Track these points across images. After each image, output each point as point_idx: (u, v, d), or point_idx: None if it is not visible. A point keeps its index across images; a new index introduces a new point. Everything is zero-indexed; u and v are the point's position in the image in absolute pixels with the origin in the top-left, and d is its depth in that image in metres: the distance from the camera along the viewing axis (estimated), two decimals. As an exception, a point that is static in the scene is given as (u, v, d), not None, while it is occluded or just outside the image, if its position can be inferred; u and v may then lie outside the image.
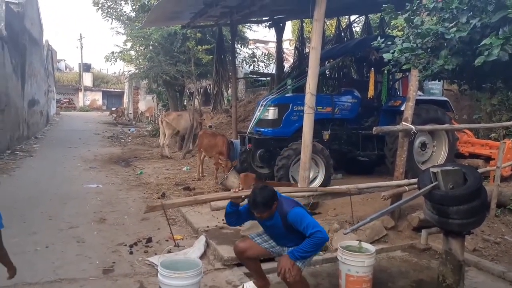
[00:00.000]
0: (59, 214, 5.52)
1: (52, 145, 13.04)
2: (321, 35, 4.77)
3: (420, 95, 7.18)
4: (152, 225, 5.03)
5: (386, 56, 2.85)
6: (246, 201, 3.37)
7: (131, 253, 4.25)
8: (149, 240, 4.56)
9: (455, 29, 2.26)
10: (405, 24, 2.76)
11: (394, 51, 2.75)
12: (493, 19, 2.03)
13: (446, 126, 6.45)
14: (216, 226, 5.04)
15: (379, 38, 3.06)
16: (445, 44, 2.40)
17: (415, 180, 4.46)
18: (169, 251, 4.30)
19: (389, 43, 2.88)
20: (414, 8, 2.79)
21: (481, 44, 2.06)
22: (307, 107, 4.74)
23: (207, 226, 4.98)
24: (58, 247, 4.36)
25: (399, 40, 2.78)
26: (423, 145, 7.32)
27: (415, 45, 2.58)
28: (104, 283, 3.60)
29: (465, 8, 2.32)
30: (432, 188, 3.48)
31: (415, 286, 4.02)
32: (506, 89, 3.25)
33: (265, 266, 3.80)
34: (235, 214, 3.38)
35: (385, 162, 7.28)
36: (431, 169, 3.57)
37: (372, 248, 3.78)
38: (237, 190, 3.46)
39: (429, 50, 2.56)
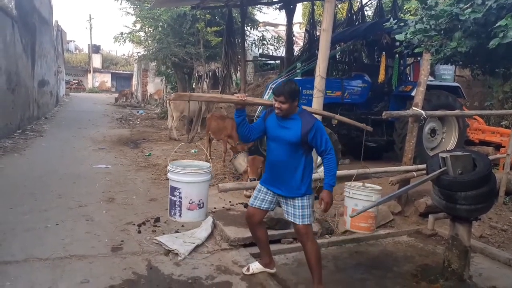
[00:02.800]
0: (69, 193, 5.60)
1: (62, 126, 13.15)
2: (332, 17, 4.69)
3: (431, 81, 7.09)
4: (160, 206, 5.08)
5: (399, 37, 2.80)
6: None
7: (139, 232, 4.31)
8: (157, 220, 4.62)
9: (470, 10, 2.20)
10: (418, 7, 2.70)
11: (407, 32, 2.70)
12: (507, 0, 1.98)
13: (456, 112, 6.37)
14: (223, 207, 5.09)
15: (391, 19, 3.01)
16: (459, 26, 2.34)
17: (424, 166, 4.45)
18: (176, 231, 4.36)
19: (402, 24, 2.82)
20: (428, -11, 2.73)
21: (496, 25, 2.01)
22: (317, 90, 4.69)
23: (214, 208, 5.02)
24: (68, 224, 4.43)
25: (412, 22, 2.72)
26: (433, 131, 7.26)
27: (428, 26, 2.52)
28: (113, 260, 3.67)
29: (481, -11, 2.26)
30: (441, 173, 3.47)
31: (420, 271, 4.02)
32: (519, 74, 3.20)
33: (272, 247, 3.86)
34: (245, 124, 3.31)
35: (394, 148, 7.25)
36: (440, 155, 3.55)
37: (378, 187, 3.75)
38: (239, 96, 3.35)
39: (442, 32, 2.51)
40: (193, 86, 15.68)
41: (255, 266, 3.60)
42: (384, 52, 7.29)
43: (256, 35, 14.82)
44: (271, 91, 7.25)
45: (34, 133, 11.09)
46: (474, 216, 3.60)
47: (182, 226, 4.54)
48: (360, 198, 3.52)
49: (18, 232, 4.11)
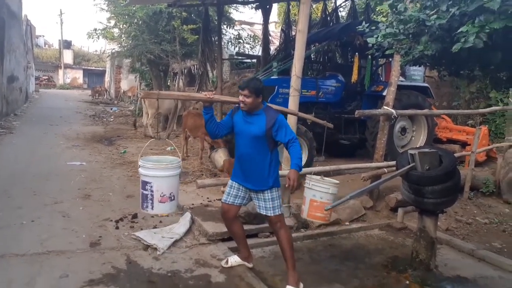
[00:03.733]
0: (43, 190, 5.52)
1: (32, 123, 12.82)
2: (307, 18, 4.82)
3: (402, 81, 7.36)
4: (137, 202, 5.06)
5: (370, 41, 2.97)
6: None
7: (117, 228, 4.33)
8: (135, 216, 4.64)
9: (435, 16, 2.38)
10: (389, 10, 2.87)
11: (378, 36, 2.86)
12: (470, 8, 2.15)
13: (425, 111, 6.66)
14: (201, 204, 5.16)
15: (364, 23, 3.17)
16: (426, 30, 2.52)
17: (394, 162, 4.67)
18: (154, 227, 4.41)
19: (373, 28, 2.99)
20: (398, -6, 2.90)
21: (458, 31, 2.19)
22: (293, 89, 4.82)
23: (192, 204, 5.09)
24: (44, 221, 4.40)
25: (383, 25, 2.89)
26: (403, 130, 7.55)
27: (397, 30, 2.70)
28: (91, 255, 3.69)
29: (445, -3, 2.43)
30: (410, 169, 3.68)
31: (391, 262, 4.24)
32: (483, 76, 3.42)
33: (249, 241, 3.97)
34: (212, 121, 3.48)
35: (366, 146, 7.49)
36: (409, 151, 3.76)
37: (335, 181, 3.98)
38: (206, 94, 3.54)
39: (410, 36, 2.68)
40: (168, 84, 15.59)
41: (234, 260, 3.71)
42: (357, 53, 7.52)
43: (233, 33, 14.87)
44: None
45: (4, 130, 10.77)
46: (440, 209, 3.82)
47: (160, 222, 4.59)
48: (318, 189, 3.77)
49: (-8, 229, 4.06)
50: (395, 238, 4.92)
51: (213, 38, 10.10)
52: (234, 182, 3.53)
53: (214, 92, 3.64)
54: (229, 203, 3.52)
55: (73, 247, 3.80)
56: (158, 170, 3.56)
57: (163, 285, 3.28)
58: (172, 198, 3.71)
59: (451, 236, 4.92)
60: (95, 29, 13.56)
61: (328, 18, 10.44)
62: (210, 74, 11.88)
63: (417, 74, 7.68)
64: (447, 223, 5.23)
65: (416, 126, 7.65)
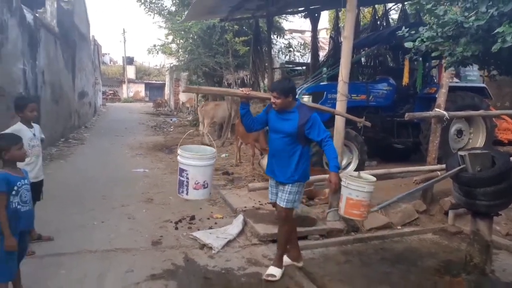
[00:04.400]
0: (112, 194, 6.07)
1: (101, 134, 13.91)
2: (353, 25, 4.92)
3: (457, 82, 7.15)
4: (195, 205, 5.44)
5: (407, 45, 3.02)
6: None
7: (176, 228, 4.69)
8: (193, 218, 4.99)
9: (473, 18, 2.41)
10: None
11: (416, 39, 2.92)
12: (506, 8, 2.17)
13: (480, 112, 6.41)
14: (253, 207, 5.39)
15: (403, 27, 3.23)
16: (465, 32, 2.54)
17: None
18: (210, 228, 4.71)
19: (413, 32, 3.04)
20: (437, -2, 2.94)
21: (495, 31, 2.21)
22: (340, 95, 4.92)
23: (245, 207, 5.34)
24: (112, 222, 4.86)
25: (423, 29, 2.94)
26: (459, 132, 7.30)
27: (435, 34, 2.74)
28: (153, 253, 4.05)
29: (484, -2, 2.45)
30: (459, 170, 3.63)
31: (444, 266, 4.16)
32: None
33: (299, 243, 4.13)
34: (248, 116, 3.68)
35: (421, 150, 7.33)
36: (459, 153, 3.71)
37: (373, 178, 3.97)
38: (243, 90, 3.69)
39: (450, 39, 2.71)
40: (223, 94, 16.14)
41: (284, 259, 3.87)
42: (407, 56, 7.40)
43: (283, 42, 15.15)
44: (296, 96, 7.52)
45: (76, 141, 11.82)
46: (494, 211, 3.72)
47: (215, 223, 4.90)
48: (353, 188, 3.79)
49: (69, 229, 4.57)
50: (449, 242, 4.80)
51: (263, 49, 10.41)
52: (271, 179, 3.73)
53: (250, 89, 3.86)
54: (273, 200, 3.74)
55: (137, 246, 4.19)
56: (194, 159, 3.81)
57: (217, 281, 3.53)
58: (206, 186, 3.91)
59: (511, 242, 4.71)
60: (155, 45, 14.50)
61: (378, 22, 10.35)
62: (262, 84, 12.20)
63: (473, 74, 7.41)
64: (508, 228, 5.00)
65: (474, 128, 7.36)
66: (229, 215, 5.28)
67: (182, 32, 13.13)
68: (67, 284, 3.34)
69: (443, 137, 6.92)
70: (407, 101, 7.86)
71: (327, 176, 4.97)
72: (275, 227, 4.19)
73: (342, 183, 3.81)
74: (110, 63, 50.47)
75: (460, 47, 2.57)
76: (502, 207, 3.74)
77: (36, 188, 3.98)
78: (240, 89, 3.79)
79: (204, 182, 3.85)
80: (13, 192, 2.86)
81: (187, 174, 3.80)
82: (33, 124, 4.09)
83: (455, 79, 7.21)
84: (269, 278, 3.55)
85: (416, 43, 2.91)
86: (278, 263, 3.67)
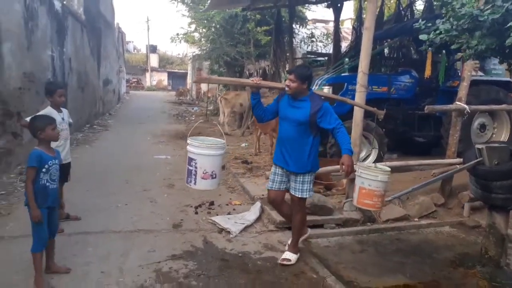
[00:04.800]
0: (134, 179, 6.28)
1: (124, 121, 14.24)
2: (374, 16, 4.91)
3: (481, 76, 7.04)
4: (214, 191, 5.55)
5: (422, 37, 3.04)
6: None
7: (196, 213, 4.85)
8: (212, 203, 5.15)
9: (489, 11, 2.41)
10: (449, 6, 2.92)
11: (431, 32, 2.93)
12: (518, 3, 2.18)
13: (503, 106, 6.30)
14: (271, 195, 5.50)
15: (420, 20, 3.22)
16: (480, 25, 2.55)
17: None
18: (228, 213, 4.86)
19: (429, 24, 3.05)
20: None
21: (507, 25, 2.22)
22: (359, 86, 4.94)
23: (262, 195, 5.44)
24: (134, 205, 5.06)
25: (439, 22, 2.94)
26: (482, 127, 7.19)
27: (450, 27, 2.75)
28: (174, 235, 4.22)
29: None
30: (476, 163, 3.65)
31: (459, 258, 4.18)
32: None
33: (315, 231, 4.27)
34: (259, 106, 3.71)
35: (442, 143, 7.26)
36: (477, 146, 3.72)
37: (387, 168, 3.97)
38: (254, 80, 3.77)
39: (466, 32, 2.72)
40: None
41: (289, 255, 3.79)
42: (430, 48, 7.31)
43: (305, 32, 15.07)
44: (317, 87, 7.55)
45: (101, 127, 12.16)
46: (510, 205, 3.71)
47: (234, 209, 5.04)
48: (366, 177, 3.78)
49: (94, 210, 4.78)
50: (466, 236, 4.80)
51: (285, 39, 10.42)
52: (278, 167, 3.71)
53: (260, 78, 3.94)
54: (275, 189, 3.74)
55: (159, 228, 4.37)
56: (203, 149, 3.82)
57: (234, 263, 3.67)
58: (214, 176, 3.89)
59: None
60: (178, 34, 14.70)
61: (403, 13, 10.19)
62: (282, 74, 12.23)
63: (499, 68, 7.26)
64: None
65: (498, 123, 7.24)
66: (247, 202, 5.42)
67: (205, 21, 13.26)
68: (93, 260, 3.54)
69: (465, 131, 6.85)
70: (429, 94, 7.77)
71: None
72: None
73: (356, 173, 3.84)
74: (133, 51, 51.13)
75: (475, 39, 2.58)
76: (520, 201, 3.73)
77: (64, 170, 4.21)
78: (251, 78, 3.88)
79: (212, 172, 3.86)
80: (44, 170, 3.06)
81: (195, 163, 3.82)
82: (62, 109, 4.29)
83: (480, 73, 7.09)
84: (284, 262, 3.66)
85: (431, 35, 2.93)
86: (293, 249, 3.78)
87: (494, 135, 7.30)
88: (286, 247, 3.90)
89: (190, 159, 3.89)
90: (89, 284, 3.16)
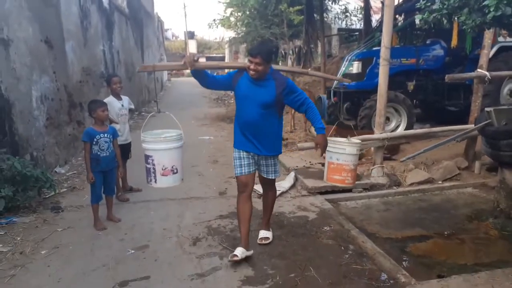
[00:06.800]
0: (183, 157, 7.05)
1: (168, 107, 15.16)
2: (394, -6, 5.25)
3: (511, 41, 7.12)
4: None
5: (417, 17, 3.43)
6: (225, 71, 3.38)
7: (238, 183, 5.55)
8: (252, 174, 5.82)
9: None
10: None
11: (425, 13, 3.32)
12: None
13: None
14: (304, 166, 6.09)
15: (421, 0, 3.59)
16: (467, 3, 2.93)
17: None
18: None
19: (429, 4, 3.43)
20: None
21: (483, 4, 2.62)
22: (382, 60, 5.32)
23: (296, 166, 6.05)
24: (185, 178, 5.73)
25: (437, 1, 3.32)
26: (513, 92, 7.31)
27: (441, 6, 3.14)
28: (220, 200, 4.94)
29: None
30: (485, 124, 4.03)
31: (476, 213, 4.59)
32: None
33: (345, 195, 4.80)
34: (199, 73, 3.38)
35: (473, 111, 7.45)
36: (486, 109, 4.09)
37: (356, 140, 3.83)
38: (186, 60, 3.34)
39: (458, 9, 3.10)
40: (280, 64, 16.67)
41: (240, 251, 3.36)
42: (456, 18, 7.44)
43: (339, 8, 15.18)
44: (347, 62, 7.93)
45: (148, 114, 13.15)
46: (518, 161, 4.07)
47: (271, 179, 5.68)
48: (334, 151, 3.68)
49: (152, 183, 5.59)
50: (487, 195, 5.13)
51: (316, 17, 10.74)
52: (242, 152, 3.38)
53: (197, 56, 3.54)
54: (246, 173, 3.37)
55: (207, 195, 5.11)
56: (158, 143, 3.54)
57: (272, 221, 4.31)
58: (175, 171, 3.60)
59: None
60: (214, 20, 15.29)
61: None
62: (315, 52, 12.57)
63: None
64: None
65: (528, 87, 7.32)
66: (283, 173, 6.01)
67: (240, 6, 13.76)
68: (156, 220, 4.33)
69: (494, 97, 7.04)
70: (459, 63, 7.92)
71: (374, 135, 5.50)
72: (322, 182, 4.79)
73: (328, 147, 3.58)
74: (172, 38, 52.42)
75: (463, 16, 2.97)
76: (526, 157, 4.08)
77: (126, 148, 5.03)
78: (183, 60, 3.44)
79: (172, 167, 3.57)
80: (94, 142, 4.02)
81: (152, 160, 3.51)
82: (122, 97, 5.07)
83: (509, 38, 7.17)
84: (263, 242, 3.67)
85: (425, 15, 3.31)
86: (268, 226, 3.85)
87: (525, 100, 7.39)
88: (263, 227, 3.84)
89: (146, 157, 3.61)
90: (155, 237, 3.94)
